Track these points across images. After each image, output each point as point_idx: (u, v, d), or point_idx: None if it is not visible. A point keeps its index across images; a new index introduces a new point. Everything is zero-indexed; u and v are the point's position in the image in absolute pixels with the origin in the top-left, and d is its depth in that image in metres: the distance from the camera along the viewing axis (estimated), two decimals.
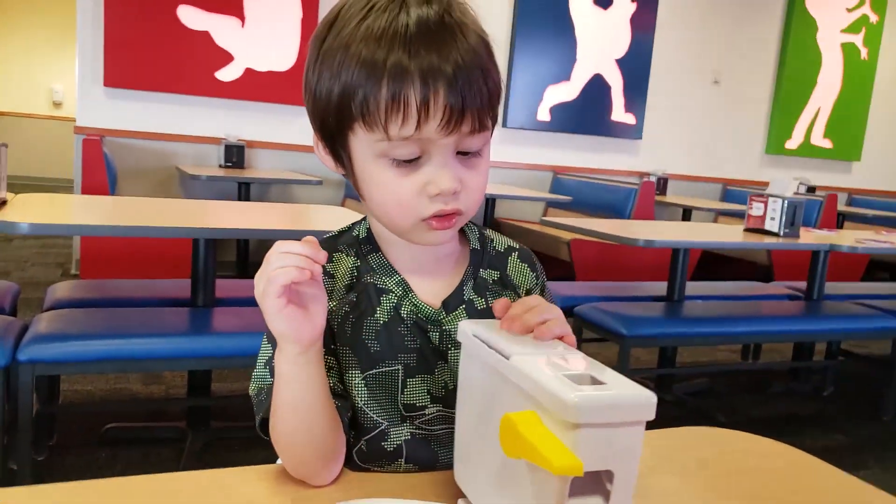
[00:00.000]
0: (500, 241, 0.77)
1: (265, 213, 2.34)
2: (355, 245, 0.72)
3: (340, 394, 0.67)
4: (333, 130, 0.64)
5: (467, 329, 0.55)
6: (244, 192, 3.82)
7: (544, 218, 2.89)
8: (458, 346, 0.61)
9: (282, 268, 0.54)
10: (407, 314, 0.68)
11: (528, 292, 0.75)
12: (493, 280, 0.73)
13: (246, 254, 4.00)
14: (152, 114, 3.92)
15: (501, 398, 0.47)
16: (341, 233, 0.74)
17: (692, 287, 3.04)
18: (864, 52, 5.82)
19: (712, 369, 3.13)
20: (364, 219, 0.74)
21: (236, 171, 3.84)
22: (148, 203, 2.37)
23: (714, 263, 4.51)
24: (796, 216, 2.65)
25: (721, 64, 5.37)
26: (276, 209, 2.53)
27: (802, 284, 3.03)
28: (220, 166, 3.92)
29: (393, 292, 0.69)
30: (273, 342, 0.65)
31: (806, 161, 5.81)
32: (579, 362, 0.47)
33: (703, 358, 3.32)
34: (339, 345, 0.68)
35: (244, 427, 2.07)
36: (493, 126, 0.65)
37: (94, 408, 2.28)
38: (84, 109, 3.80)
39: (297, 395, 0.60)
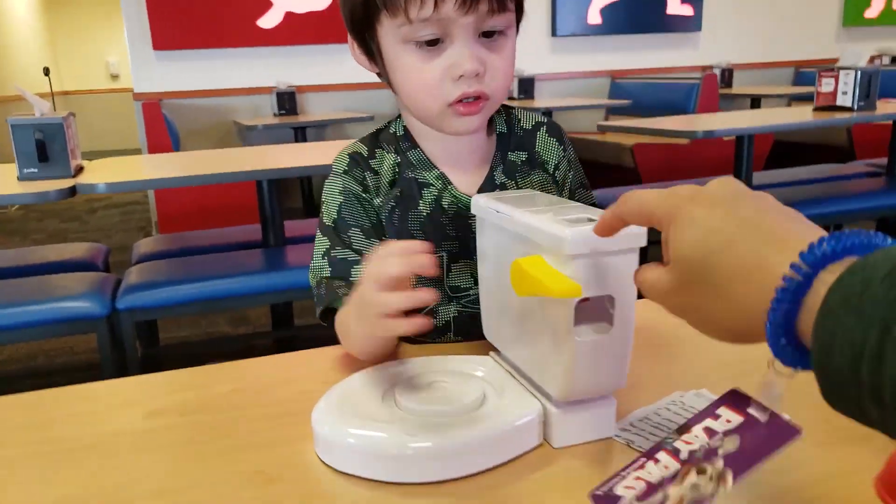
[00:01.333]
0: (528, 119, 0.79)
1: (322, 151, 2.38)
2: (394, 142, 0.75)
3: None
4: (363, 26, 0.68)
5: (479, 201, 0.60)
6: (300, 136, 3.90)
7: (601, 123, 2.81)
8: None
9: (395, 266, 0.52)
10: (448, 205, 0.73)
11: (557, 166, 0.77)
12: (521, 161, 0.76)
13: (311, 196, 4.11)
14: (203, 71, 4.01)
15: (512, 252, 0.52)
16: (379, 131, 0.77)
17: (762, 176, 2.93)
18: None
19: None
20: (399, 116, 0.77)
21: (290, 118, 3.91)
22: (211, 154, 2.47)
23: (788, 152, 4.29)
24: (871, 87, 2.47)
25: None
26: (332, 146, 2.58)
27: (885, 160, 2.85)
28: (275, 115, 3.99)
29: (433, 185, 0.73)
30: (328, 234, 0.71)
31: (890, 29, 5.33)
32: (578, 210, 0.52)
33: None
34: (387, 237, 0.73)
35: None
36: (520, 12, 0.68)
37: (192, 349, 2.46)
38: (139, 76, 3.92)
39: (366, 347, 0.64)
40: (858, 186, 2.61)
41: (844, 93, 2.50)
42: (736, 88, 4.73)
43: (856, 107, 2.46)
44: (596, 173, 4.47)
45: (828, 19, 5.25)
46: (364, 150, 0.75)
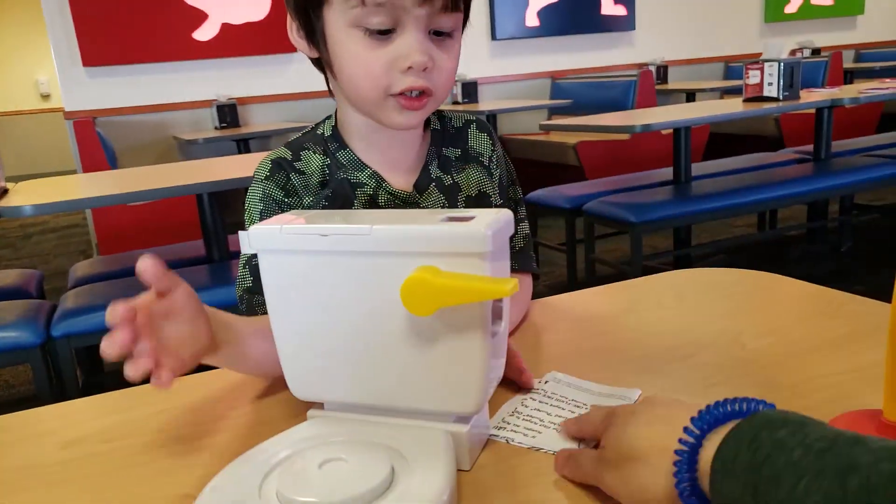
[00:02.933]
0: (458, 118, 0.79)
1: (261, 159, 2.34)
2: (321, 143, 0.73)
3: None
4: (310, 4, 0.65)
5: (255, 233, 0.50)
6: (244, 148, 3.83)
7: (543, 122, 2.84)
8: None
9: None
10: (384, 202, 0.71)
11: (490, 159, 0.78)
12: (455, 157, 0.76)
13: None
14: (139, 86, 3.90)
15: (376, 276, 0.46)
16: (304, 134, 0.76)
17: (699, 167, 3.01)
18: None
19: (728, 243, 3.13)
20: (327, 118, 0.76)
21: (232, 130, 3.83)
22: (148, 170, 2.40)
23: (723, 145, 4.43)
24: (794, 77, 2.57)
25: None
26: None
27: (812, 147, 2.97)
28: (216, 128, 3.91)
29: (367, 184, 0.72)
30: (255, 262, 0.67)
31: (808, 24, 5.57)
32: (428, 215, 0.49)
33: (721, 236, 3.32)
34: None
35: None
36: (465, 18, 0.68)
37: None
38: (69, 94, 3.79)
39: (241, 366, 0.62)
40: (788, 173, 2.72)
41: (770, 84, 2.60)
42: (671, 84, 4.87)
43: (781, 96, 2.56)
44: (541, 172, 4.54)
45: (751, 16, 5.46)
46: (288, 154, 0.73)
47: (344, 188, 0.71)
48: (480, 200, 0.75)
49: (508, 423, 0.53)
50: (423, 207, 0.72)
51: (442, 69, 0.65)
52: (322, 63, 0.69)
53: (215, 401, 0.63)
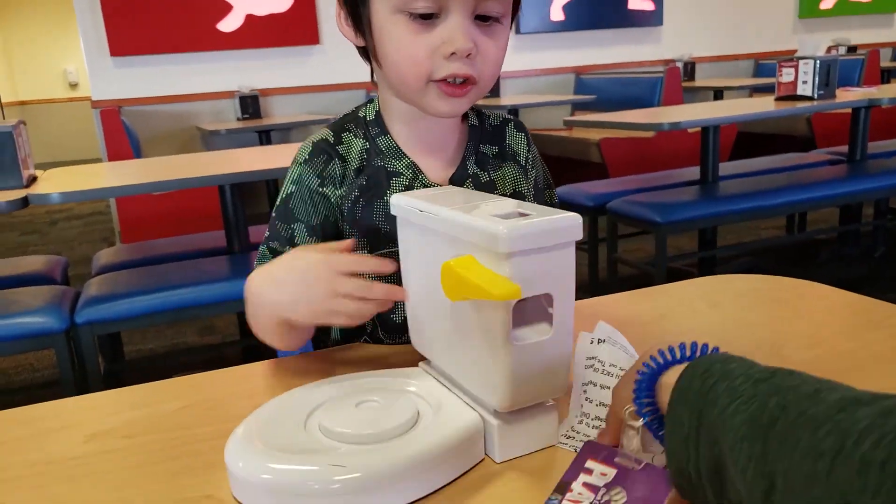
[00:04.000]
0: (496, 116, 0.78)
1: (286, 153, 2.34)
2: (363, 126, 0.73)
3: None
4: None
5: (399, 201, 0.56)
6: (265, 140, 3.84)
7: (567, 118, 2.81)
8: None
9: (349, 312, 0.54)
10: None
11: (527, 159, 0.77)
12: (493, 154, 0.75)
13: (276, 199, 4.04)
14: (164, 77, 3.92)
15: (439, 254, 0.49)
16: (348, 115, 0.75)
17: (727, 167, 2.96)
18: None
19: (755, 245, 3.07)
20: (370, 101, 0.75)
21: (254, 122, 3.84)
22: (171, 160, 2.41)
23: (752, 143, 4.35)
24: (830, 76, 2.51)
25: None
26: (296, 148, 2.54)
27: (845, 148, 2.90)
28: (238, 119, 3.92)
29: (403, 174, 0.71)
30: (273, 222, 0.71)
31: (844, 20, 5.44)
32: (507, 205, 0.49)
33: (747, 238, 3.26)
34: (348, 226, 0.71)
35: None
36: (517, 4, 0.67)
37: (158, 362, 2.40)
38: (97, 83, 3.82)
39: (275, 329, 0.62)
40: (821, 175, 2.65)
41: (805, 82, 2.53)
42: (698, 81, 4.79)
43: (816, 95, 2.50)
44: (564, 169, 4.52)
45: (784, 12, 5.34)
46: (330, 135, 0.72)
47: (379, 176, 0.71)
48: (516, 198, 0.73)
49: (577, 432, 0.51)
50: None
51: (487, 56, 0.64)
52: (368, 52, 0.69)
53: (239, 396, 0.62)
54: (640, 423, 0.43)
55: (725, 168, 2.89)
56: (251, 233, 2.12)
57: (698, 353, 0.43)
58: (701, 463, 0.37)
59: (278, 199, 0.72)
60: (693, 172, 2.78)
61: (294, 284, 0.56)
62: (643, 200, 2.40)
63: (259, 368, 0.67)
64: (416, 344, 0.59)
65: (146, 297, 1.77)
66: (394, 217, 0.68)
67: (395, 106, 0.71)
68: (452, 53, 0.62)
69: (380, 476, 0.43)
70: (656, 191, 2.59)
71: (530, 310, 0.46)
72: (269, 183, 4.03)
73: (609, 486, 0.41)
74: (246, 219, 2.10)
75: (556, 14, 4.65)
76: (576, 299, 0.76)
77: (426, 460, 0.44)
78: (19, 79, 8.25)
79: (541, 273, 0.44)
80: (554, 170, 0.82)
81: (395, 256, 0.68)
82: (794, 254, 3.04)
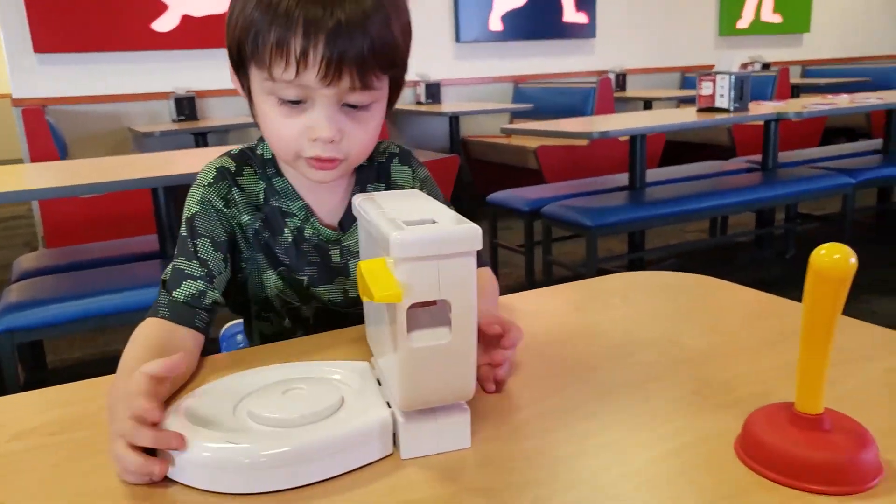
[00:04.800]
0: (383, 151, 0.82)
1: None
2: (262, 165, 0.77)
3: (213, 303, 0.72)
4: (237, 60, 0.70)
5: (356, 202, 0.59)
6: (201, 142, 3.76)
7: (504, 126, 2.88)
8: (356, 256, 0.75)
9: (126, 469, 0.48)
10: (310, 235, 0.77)
11: (412, 187, 0.81)
12: (380, 191, 0.79)
13: None
14: (93, 76, 3.79)
15: (367, 255, 0.53)
16: (249, 150, 0.79)
17: (654, 174, 3.09)
18: None
19: (680, 248, 3.22)
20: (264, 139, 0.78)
21: (190, 124, 3.76)
22: (102, 162, 2.34)
23: (678, 152, 4.56)
24: (744, 90, 2.68)
25: None
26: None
27: (760, 157, 3.08)
28: (174, 121, 3.83)
29: (297, 216, 0.77)
30: (179, 240, 0.73)
31: (758, 38, 5.78)
32: (429, 210, 0.51)
33: (673, 241, 3.41)
34: (253, 252, 0.77)
35: None
36: (395, 88, 0.71)
37: (85, 371, 2.32)
38: (18, 80, 3.66)
39: None
40: (739, 181, 2.81)
41: (721, 95, 2.69)
42: (630, 92, 4.98)
43: (732, 108, 2.66)
44: (502, 175, 4.59)
45: (706, 29, 5.63)
46: (233, 165, 0.76)
47: (275, 215, 0.76)
48: None
49: None
50: (345, 245, 0.78)
51: (353, 140, 0.68)
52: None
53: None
54: None
55: (653, 175, 3.03)
56: None
57: None
58: None
59: (183, 220, 0.74)
60: (624, 179, 2.89)
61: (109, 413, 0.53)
62: (576, 205, 2.49)
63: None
64: (368, 339, 0.63)
65: (72, 302, 1.72)
66: (292, 250, 0.77)
67: None
68: (316, 139, 0.66)
69: (293, 454, 0.46)
70: (588, 196, 2.69)
71: (436, 315, 0.48)
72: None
73: None
74: (180, 222, 2.06)
75: (495, 24, 4.74)
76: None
77: (336, 443, 0.47)
78: None
79: (436, 280, 0.45)
80: (492, 176, 0.86)
81: (296, 281, 0.77)
82: (716, 256, 3.20)
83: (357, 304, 0.75)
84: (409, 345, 0.46)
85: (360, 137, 0.69)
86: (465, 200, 3.84)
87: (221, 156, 0.78)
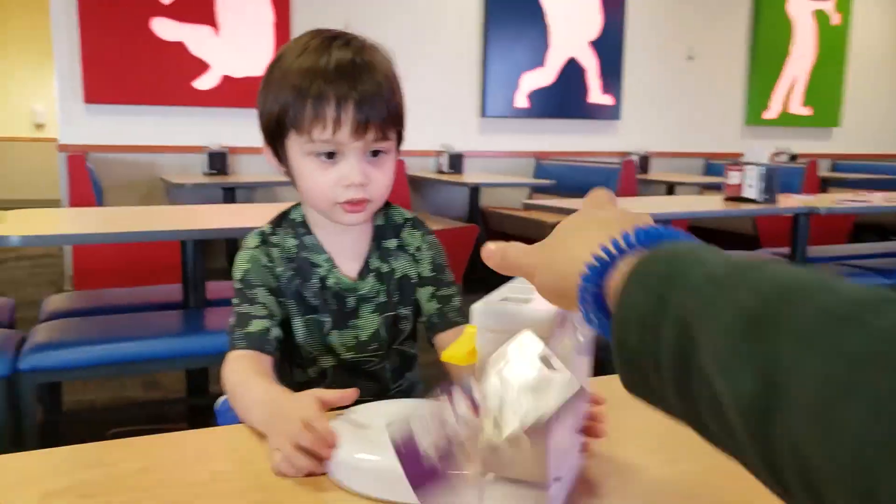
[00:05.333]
0: (400, 215, 0.97)
1: (250, 212, 2.38)
2: (293, 227, 0.94)
3: (277, 338, 0.87)
4: (275, 137, 0.87)
5: (478, 309, 0.57)
6: (229, 197, 3.86)
7: (526, 201, 2.94)
8: (368, 301, 0.91)
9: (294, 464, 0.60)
10: (332, 283, 0.92)
11: (418, 248, 0.95)
12: (393, 247, 0.95)
13: (234, 256, 4.03)
14: (134, 127, 3.95)
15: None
16: (283, 214, 0.95)
17: None
18: (835, 18, 5.88)
19: None
20: (297, 205, 0.95)
21: (220, 178, 3.88)
22: (135, 211, 2.42)
23: (702, 237, 4.54)
24: (773, 182, 2.70)
25: (694, 39, 5.42)
26: (261, 209, 2.58)
27: (787, 250, 3.08)
28: (205, 174, 3.95)
29: (322, 266, 0.92)
30: (237, 293, 0.88)
31: (786, 130, 5.87)
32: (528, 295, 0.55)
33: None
34: (286, 298, 0.90)
35: None
36: (400, 140, 0.89)
37: (97, 415, 2.33)
38: (66, 127, 3.82)
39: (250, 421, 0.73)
40: None
41: (750, 185, 2.72)
42: (652, 174, 5.04)
43: (760, 199, 2.68)
44: None
45: (733, 118, 5.74)
46: (269, 229, 0.93)
47: (306, 265, 0.91)
48: (402, 281, 0.93)
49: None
50: (361, 292, 0.92)
51: (377, 182, 0.85)
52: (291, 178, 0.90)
53: (198, 460, 0.63)
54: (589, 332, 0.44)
55: None
56: (208, 288, 2.13)
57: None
58: (661, 352, 0.33)
59: (237, 277, 0.90)
60: None
61: (267, 426, 0.66)
62: None
63: (219, 433, 0.69)
64: None
65: (95, 347, 1.75)
66: (319, 296, 0.91)
67: (314, 215, 0.92)
68: (349, 185, 0.83)
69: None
70: None
71: None
72: (229, 241, 4.03)
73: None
74: (205, 274, 2.11)
75: (521, 101, 4.89)
76: None
77: None
78: None
79: (498, 340, 0.48)
80: None
81: (319, 322, 0.91)
82: None
83: (365, 350, 0.91)
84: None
85: (382, 180, 0.86)
86: (482, 269, 3.85)
87: (265, 224, 0.94)
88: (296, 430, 0.60)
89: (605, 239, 0.40)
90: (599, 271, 0.39)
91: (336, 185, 0.84)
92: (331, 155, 0.83)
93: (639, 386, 0.36)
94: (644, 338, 0.34)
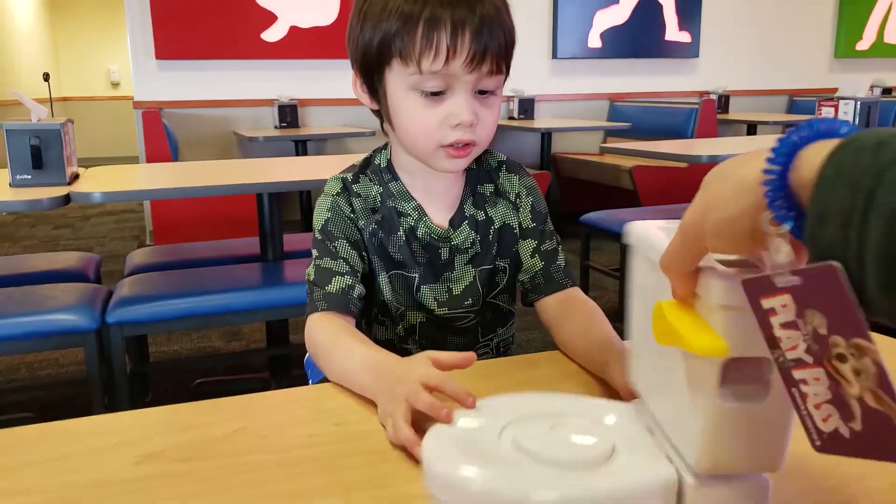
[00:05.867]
0: (493, 159, 0.89)
1: (322, 165, 2.36)
2: (378, 173, 0.85)
3: (360, 296, 0.80)
4: (373, 68, 0.76)
5: (635, 229, 0.52)
6: (301, 149, 3.88)
7: (603, 144, 2.80)
8: (463, 252, 0.83)
9: (425, 401, 0.54)
10: (422, 234, 0.83)
11: (518, 195, 0.87)
12: (489, 192, 0.87)
13: (309, 210, 4.08)
14: (205, 82, 3.99)
15: (660, 291, 0.46)
16: (366, 161, 0.87)
17: None
18: None
19: None
20: (383, 147, 0.86)
21: (291, 131, 3.89)
22: (211, 165, 2.44)
23: None
24: (870, 117, 2.49)
25: None
26: (333, 160, 2.55)
27: None
28: (276, 127, 3.97)
29: (410, 215, 0.83)
30: (317, 245, 0.81)
31: (881, 62, 5.39)
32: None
33: None
34: (368, 254, 0.83)
35: None
36: (507, 74, 0.77)
37: (183, 365, 2.41)
38: (140, 84, 3.90)
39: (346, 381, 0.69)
40: None
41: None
42: (732, 114, 4.76)
43: None
44: (595, 193, 4.50)
45: (820, 50, 5.30)
46: (350, 176, 0.85)
47: (392, 215, 0.83)
48: (503, 231, 0.85)
49: None
50: (454, 243, 0.83)
51: (486, 123, 0.76)
52: (381, 113, 0.81)
53: (293, 423, 0.61)
54: (785, 228, 0.36)
55: None
56: (285, 241, 2.13)
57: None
58: (867, 251, 0.31)
59: (317, 226, 0.83)
60: None
61: (379, 391, 0.61)
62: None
63: (311, 392, 0.66)
64: (632, 378, 0.56)
65: (178, 300, 1.78)
66: (405, 249, 0.82)
67: (403, 158, 0.83)
68: (458, 124, 0.73)
69: (571, 502, 0.43)
70: None
71: (749, 369, 0.42)
72: (302, 193, 4.07)
73: (801, 315, 0.36)
74: (282, 227, 2.11)
75: (594, 41, 4.66)
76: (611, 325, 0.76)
77: (607, 498, 0.43)
78: (64, 76, 8.44)
79: (754, 334, 0.39)
80: (585, 194, 0.85)
81: (406, 279, 0.83)
82: None
83: (459, 305, 0.83)
84: (720, 402, 0.41)
85: (489, 121, 0.76)
86: (554, 218, 3.76)
87: (344, 170, 0.86)
88: (415, 391, 0.54)
89: (766, 155, 0.37)
90: (783, 160, 0.36)
91: (443, 125, 0.74)
92: (437, 93, 0.73)
93: (833, 256, 0.33)
94: (847, 233, 0.32)
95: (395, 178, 0.84)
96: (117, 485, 0.50)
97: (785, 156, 0.36)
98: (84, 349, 1.70)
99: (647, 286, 0.50)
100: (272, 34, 4.01)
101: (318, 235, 0.82)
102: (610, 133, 4.53)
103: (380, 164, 0.85)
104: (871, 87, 4.68)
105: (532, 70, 4.55)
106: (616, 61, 4.76)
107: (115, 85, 8.62)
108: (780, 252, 0.37)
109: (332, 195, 0.83)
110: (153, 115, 3.29)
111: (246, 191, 1.98)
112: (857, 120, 2.49)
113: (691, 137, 3.92)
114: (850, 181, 0.32)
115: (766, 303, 0.37)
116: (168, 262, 2.17)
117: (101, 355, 1.73)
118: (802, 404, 0.37)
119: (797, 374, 0.37)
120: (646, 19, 4.72)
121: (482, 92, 0.75)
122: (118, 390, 1.76)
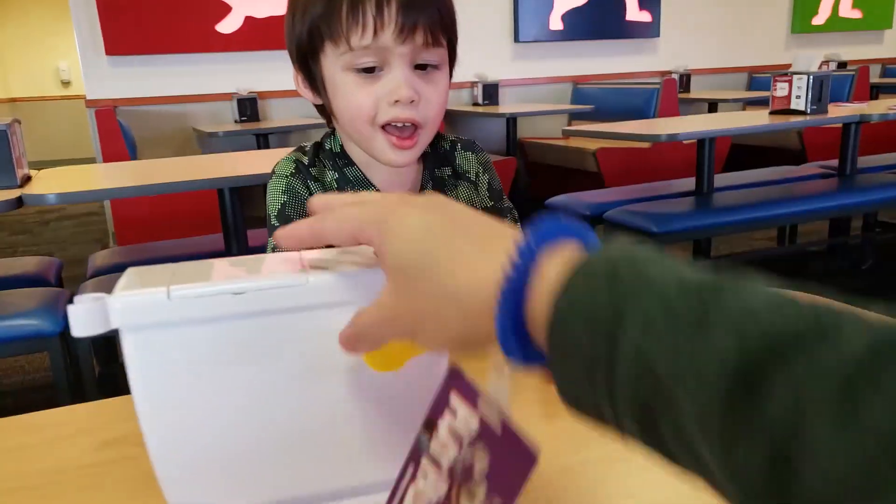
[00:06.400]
0: (446, 141, 0.87)
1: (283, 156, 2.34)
2: (331, 158, 0.82)
3: None
4: (308, 58, 0.75)
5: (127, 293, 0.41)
6: (263, 143, 3.83)
7: (566, 128, 2.82)
8: None
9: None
10: None
11: (477, 174, 0.86)
12: (447, 175, 0.85)
13: None
14: (161, 77, 3.91)
15: (303, 346, 0.43)
16: (317, 145, 0.83)
17: (721, 179, 2.98)
18: None
19: (747, 257, 3.10)
20: (330, 135, 0.83)
21: (252, 124, 3.84)
22: (170, 162, 2.40)
23: (745, 156, 4.39)
24: (823, 91, 2.55)
25: None
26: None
27: (835, 162, 2.93)
28: (236, 121, 3.92)
29: None
30: (273, 232, 0.74)
31: (835, 36, 5.51)
32: None
33: (739, 249, 3.29)
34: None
35: None
36: (453, 51, 0.75)
37: None
38: (91, 82, 3.80)
39: None
40: (812, 188, 2.68)
41: (798, 97, 2.57)
42: (693, 93, 4.83)
43: (809, 110, 2.53)
44: (560, 178, 4.51)
45: (777, 27, 5.40)
46: (305, 159, 0.81)
47: None
48: None
49: None
50: None
51: (430, 101, 0.72)
52: (325, 108, 0.78)
53: None
54: (508, 368, 0.32)
55: (719, 180, 2.92)
56: (249, 236, 2.12)
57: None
58: (617, 400, 0.27)
59: (272, 212, 0.78)
60: (688, 183, 2.80)
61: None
62: (639, 210, 2.42)
63: None
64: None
65: None
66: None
67: (355, 148, 0.80)
68: (396, 101, 0.70)
69: None
70: (652, 201, 2.61)
71: None
72: (265, 188, 4.01)
73: (473, 444, 0.33)
74: (244, 222, 2.09)
75: (555, 23, 4.67)
76: None
77: None
78: (11, 76, 8.19)
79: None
80: (550, 178, 0.86)
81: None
82: (784, 265, 3.07)
83: None
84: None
85: (434, 99, 0.72)
86: (521, 203, 3.79)
87: (294, 151, 0.82)
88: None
89: (489, 249, 0.32)
90: (515, 288, 0.30)
91: (380, 102, 0.71)
92: (371, 70, 0.70)
93: (588, 413, 0.29)
94: (594, 383, 0.27)
95: (351, 163, 0.80)
96: (77, 469, 0.51)
97: (515, 293, 0.30)
98: (49, 353, 1.68)
99: (168, 370, 0.38)
100: (227, 25, 3.94)
101: (274, 222, 0.77)
102: (574, 116, 4.56)
103: (332, 148, 0.81)
104: (827, 62, 4.79)
105: (495, 54, 4.55)
106: (578, 43, 4.79)
107: (66, 84, 8.37)
108: (503, 375, 0.33)
109: (287, 175, 0.78)
110: (108, 114, 3.22)
111: (207, 186, 1.96)
112: (809, 94, 2.54)
113: (653, 117, 3.98)
114: (586, 320, 0.27)
115: (455, 401, 0.34)
116: (132, 263, 2.12)
117: (67, 359, 1.70)
118: (405, 484, 0.36)
119: (424, 463, 0.35)
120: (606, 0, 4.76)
121: (423, 67, 0.72)
122: (87, 392, 1.74)
